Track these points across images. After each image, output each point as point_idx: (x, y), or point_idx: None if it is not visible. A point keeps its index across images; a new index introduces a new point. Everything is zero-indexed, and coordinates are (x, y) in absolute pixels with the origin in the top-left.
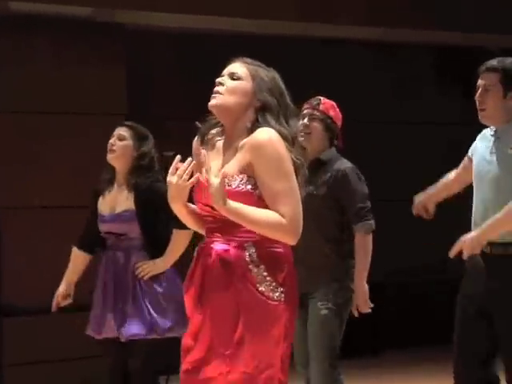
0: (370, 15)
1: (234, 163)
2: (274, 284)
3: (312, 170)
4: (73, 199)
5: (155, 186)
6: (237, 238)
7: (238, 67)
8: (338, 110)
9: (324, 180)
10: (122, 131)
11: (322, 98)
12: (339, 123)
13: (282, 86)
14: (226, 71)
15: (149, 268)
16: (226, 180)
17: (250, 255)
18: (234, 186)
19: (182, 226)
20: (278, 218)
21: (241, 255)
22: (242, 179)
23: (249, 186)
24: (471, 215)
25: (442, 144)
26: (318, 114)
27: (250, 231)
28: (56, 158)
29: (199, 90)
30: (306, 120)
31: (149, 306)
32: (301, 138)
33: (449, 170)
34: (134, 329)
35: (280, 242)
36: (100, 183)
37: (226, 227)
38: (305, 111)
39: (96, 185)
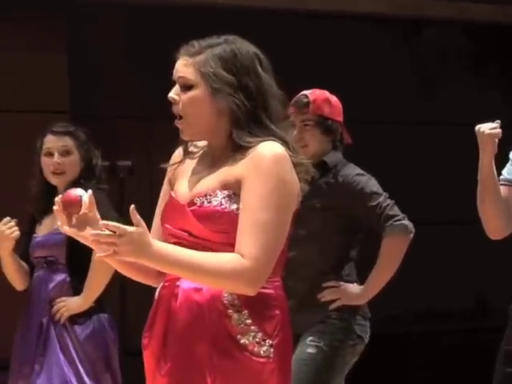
0: None
1: (216, 176)
2: (260, 335)
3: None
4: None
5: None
6: None
7: (184, 70)
8: (334, 100)
9: (326, 190)
10: (63, 142)
11: (308, 92)
12: (340, 118)
13: (250, 58)
14: (175, 75)
15: (65, 307)
16: (203, 198)
17: (228, 296)
18: (214, 204)
19: None
20: (230, 262)
21: (217, 296)
22: (226, 196)
23: (234, 206)
24: None
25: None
26: (309, 117)
27: None
28: None
29: (159, 82)
30: (295, 131)
31: (63, 359)
32: None
33: None
34: None
35: (270, 279)
36: (37, 205)
37: None
38: (293, 117)
39: (30, 205)
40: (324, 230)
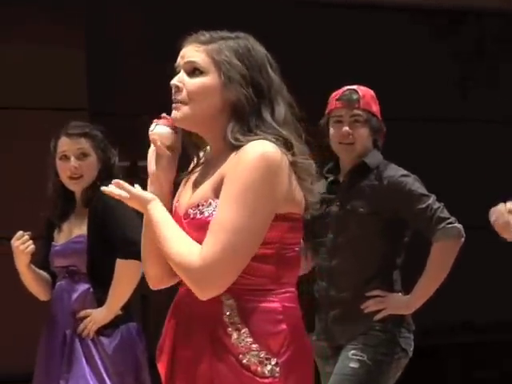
0: None
1: (209, 182)
2: (263, 354)
3: (352, 178)
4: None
5: (111, 201)
6: None
7: (195, 54)
8: (376, 97)
9: (370, 193)
10: (78, 144)
11: (356, 87)
12: (380, 116)
13: (262, 57)
14: (180, 62)
15: (91, 322)
16: (196, 209)
17: (228, 312)
18: (206, 215)
19: (129, 255)
20: (188, 254)
21: (216, 312)
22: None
23: None
24: None
25: None
26: (359, 113)
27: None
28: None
29: None
30: (347, 127)
31: (89, 372)
32: (339, 148)
33: None
34: None
35: (276, 290)
36: (54, 209)
37: None
38: (339, 112)
39: (46, 209)
40: (366, 236)
